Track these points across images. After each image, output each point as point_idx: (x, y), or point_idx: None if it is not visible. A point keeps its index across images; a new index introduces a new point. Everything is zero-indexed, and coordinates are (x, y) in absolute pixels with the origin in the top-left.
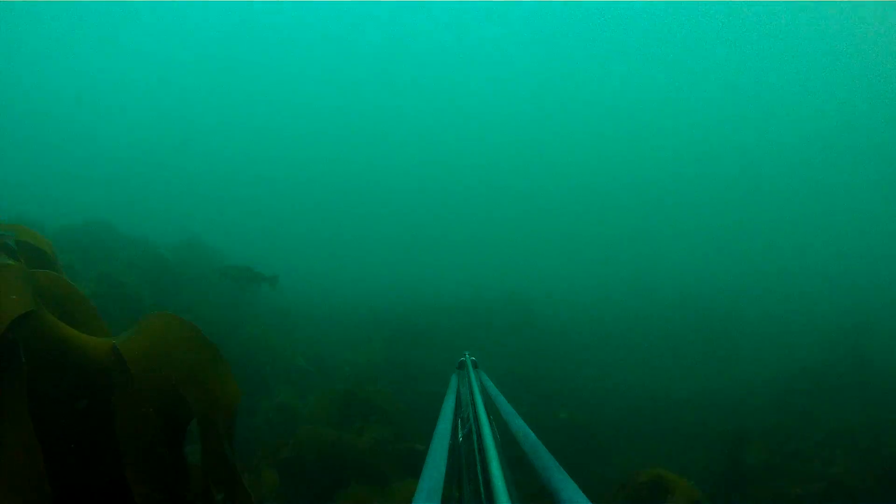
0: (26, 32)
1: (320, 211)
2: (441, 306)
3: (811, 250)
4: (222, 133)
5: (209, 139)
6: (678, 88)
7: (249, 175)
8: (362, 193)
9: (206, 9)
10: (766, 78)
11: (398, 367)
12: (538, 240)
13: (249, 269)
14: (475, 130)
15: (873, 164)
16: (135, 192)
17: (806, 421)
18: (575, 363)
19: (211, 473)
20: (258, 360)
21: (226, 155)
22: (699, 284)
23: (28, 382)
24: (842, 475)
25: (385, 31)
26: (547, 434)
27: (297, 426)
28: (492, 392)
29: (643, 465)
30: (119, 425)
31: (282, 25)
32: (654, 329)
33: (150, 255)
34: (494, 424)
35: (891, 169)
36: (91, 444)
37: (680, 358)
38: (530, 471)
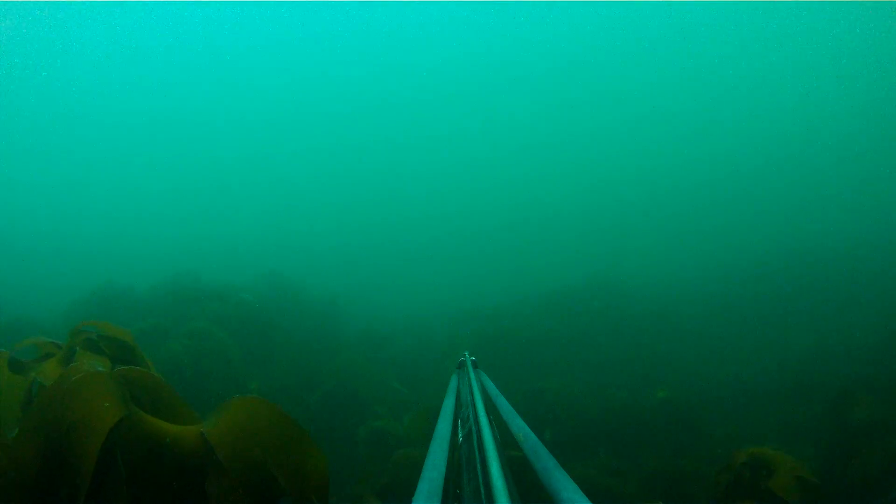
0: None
1: (394, 236)
2: (523, 303)
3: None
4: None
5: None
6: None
7: (316, 214)
8: (429, 214)
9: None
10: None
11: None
12: (615, 231)
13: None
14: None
15: None
16: (213, 239)
17: None
18: (670, 342)
19: None
20: (353, 386)
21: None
22: (782, 252)
23: (127, 481)
24: None
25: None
26: (647, 415)
27: (394, 448)
28: (492, 392)
29: (747, 439)
30: None
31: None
32: (744, 302)
33: (235, 303)
34: (494, 424)
35: None
36: None
37: (773, 327)
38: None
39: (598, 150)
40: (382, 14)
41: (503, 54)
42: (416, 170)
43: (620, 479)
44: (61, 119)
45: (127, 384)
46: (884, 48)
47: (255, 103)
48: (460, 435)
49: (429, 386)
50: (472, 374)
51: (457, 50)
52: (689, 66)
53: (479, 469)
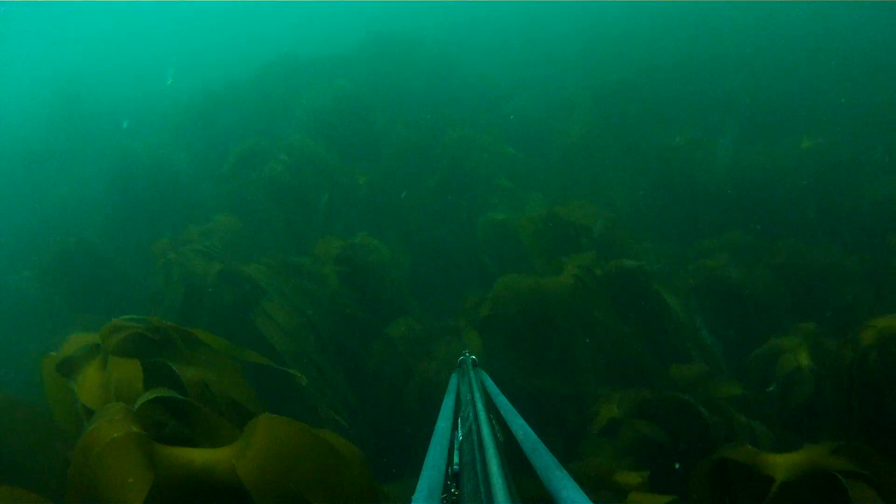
0: None
1: None
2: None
3: None
4: None
5: None
6: None
7: None
8: None
9: None
10: None
11: (612, 134)
12: None
13: None
14: None
15: None
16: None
17: None
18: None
19: None
20: (469, 164)
21: None
22: None
23: None
24: None
25: None
26: (787, 174)
27: (511, 247)
28: (492, 391)
29: None
30: None
31: None
32: None
33: (331, 93)
34: (494, 424)
35: None
36: None
37: None
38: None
39: None
40: None
41: None
42: None
43: (746, 270)
44: None
45: (158, 404)
46: None
47: None
48: (460, 434)
49: (552, 151)
50: (471, 374)
51: None
52: None
53: (478, 468)
